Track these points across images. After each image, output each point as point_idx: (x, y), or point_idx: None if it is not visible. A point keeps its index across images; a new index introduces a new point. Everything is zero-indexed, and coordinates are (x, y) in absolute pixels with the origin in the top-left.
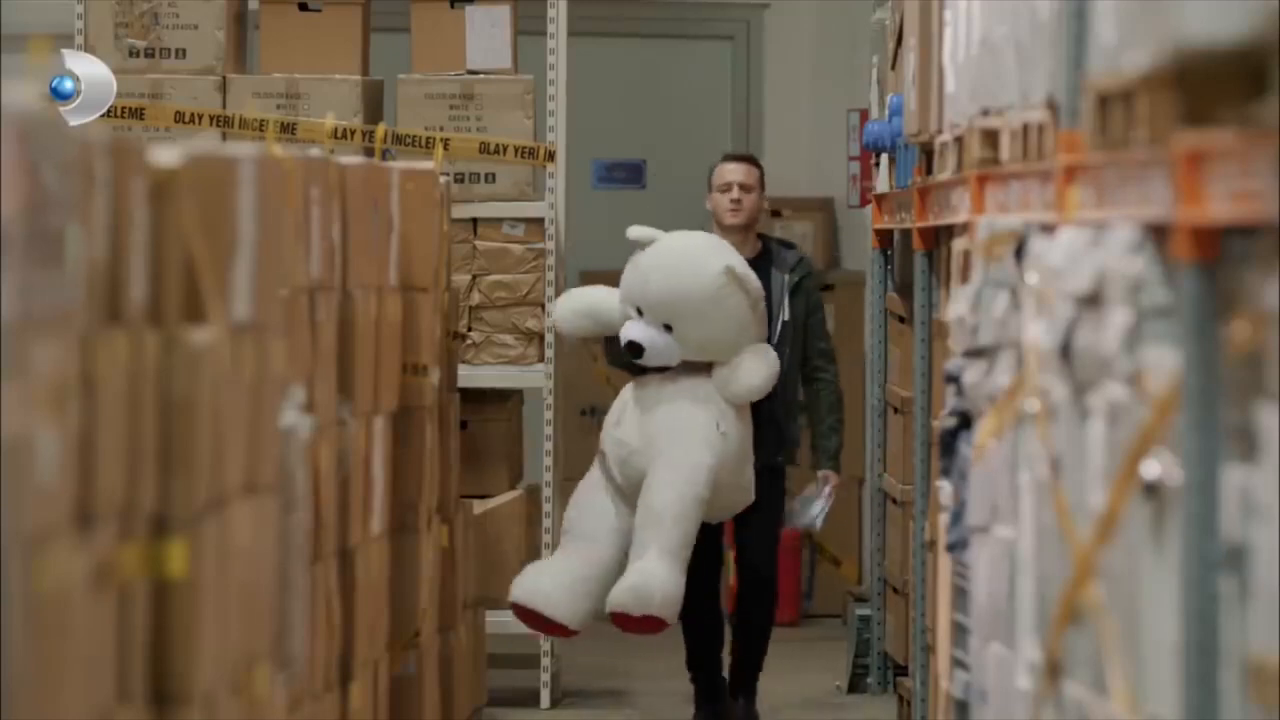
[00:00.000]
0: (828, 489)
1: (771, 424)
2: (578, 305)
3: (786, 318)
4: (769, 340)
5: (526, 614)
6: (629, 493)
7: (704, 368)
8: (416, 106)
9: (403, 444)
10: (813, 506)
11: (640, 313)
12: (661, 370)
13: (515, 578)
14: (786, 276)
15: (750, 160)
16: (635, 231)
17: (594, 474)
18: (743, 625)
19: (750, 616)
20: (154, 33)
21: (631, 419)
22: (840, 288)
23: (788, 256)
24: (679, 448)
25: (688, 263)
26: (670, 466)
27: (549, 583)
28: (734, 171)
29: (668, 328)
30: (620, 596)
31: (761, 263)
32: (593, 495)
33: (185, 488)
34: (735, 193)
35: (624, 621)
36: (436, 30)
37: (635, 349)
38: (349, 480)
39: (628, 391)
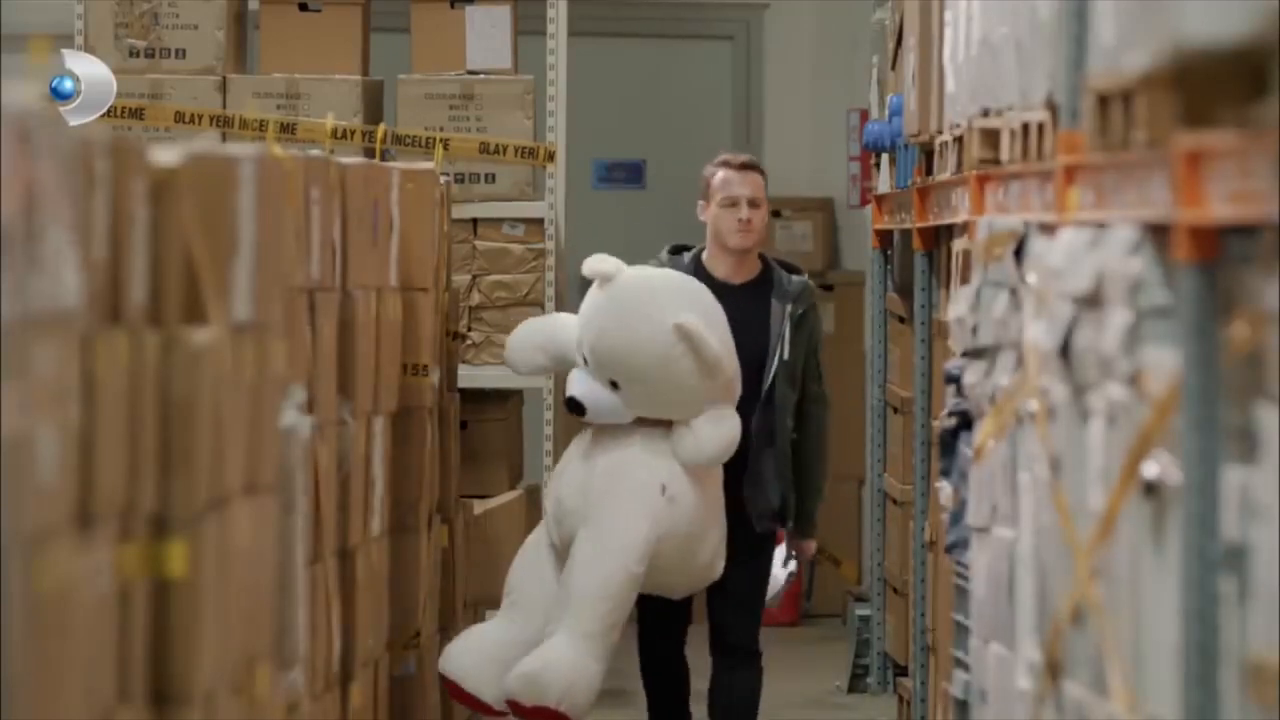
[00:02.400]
0: (791, 564)
1: (757, 481)
2: (535, 338)
3: (786, 356)
4: (762, 382)
5: (452, 687)
6: (565, 553)
7: (668, 422)
8: (416, 107)
9: (403, 444)
10: (775, 580)
11: (587, 362)
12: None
13: (446, 645)
14: (789, 307)
15: (757, 168)
16: (592, 264)
17: (539, 531)
18: (722, 711)
19: (731, 701)
20: (154, 33)
21: (572, 472)
22: (840, 288)
23: (791, 284)
24: (611, 513)
25: (638, 313)
26: (596, 537)
27: (472, 660)
28: (742, 184)
29: (614, 385)
30: (512, 683)
31: (759, 289)
32: (534, 558)
33: (185, 488)
34: (744, 211)
35: (519, 711)
36: (436, 30)
37: (576, 407)
38: (349, 480)
39: (577, 442)
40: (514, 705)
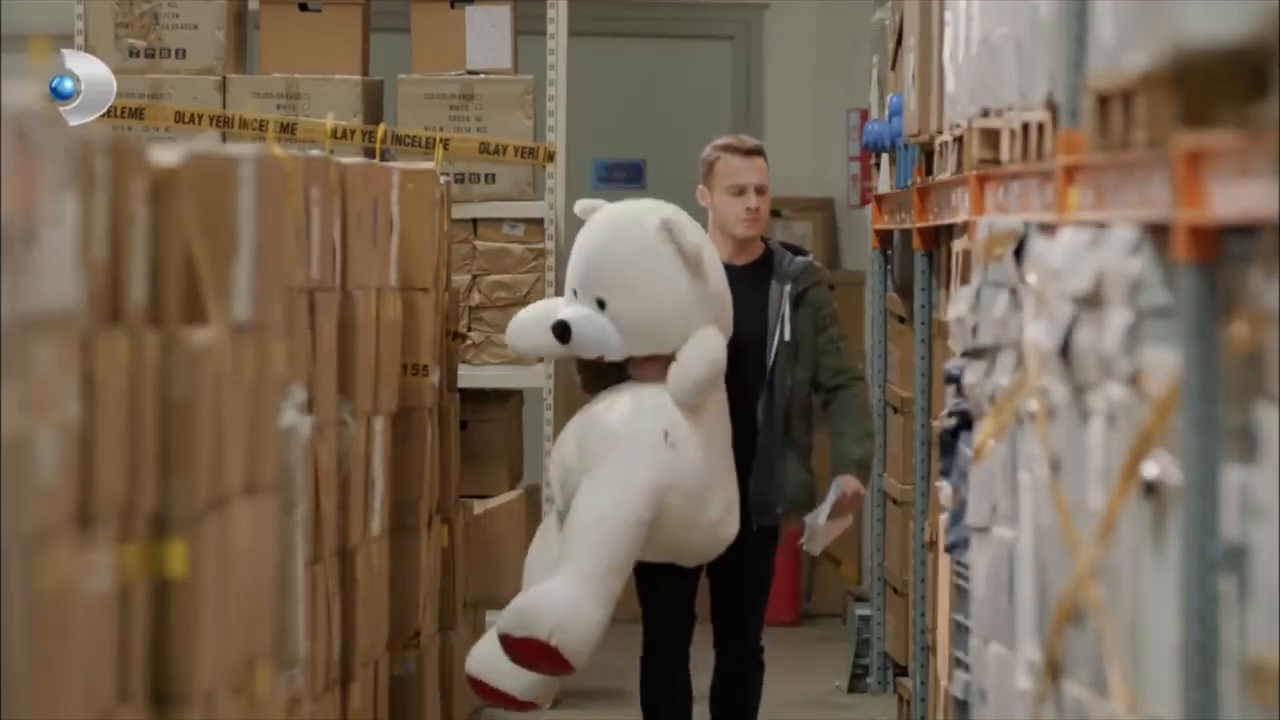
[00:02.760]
0: (836, 494)
1: (765, 470)
2: (537, 314)
3: (787, 337)
4: (763, 360)
5: (479, 687)
6: None
7: (663, 374)
8: (416, 107)
9: (403, 444)
10: (815, 516)
11: (576, 295)
12: (618, 382)
13: (472, 648)
14: (787, 287)
15: (761, 152)
16: (581, 204)
17: (549, 518)
18: (724, 711)
19: (733, 702)
20: (154, 33)
21: (575, 435)
22: (840, 288)
23: (791, 263)
24: (613, 460)
25: (619, 221)
26: (597, 480)
27: (493, 655)
28: (748, 170)
29: (601, 304)
30: (503, 617)
31: (759, 271)
32: (546, 543)
33: (185, 488)
34: (752, 199)
35: (508, 645)
36: (436, 30)
37: (562, 329)
38: (349, 480)
39: (581, 411)
40: (504, 640)
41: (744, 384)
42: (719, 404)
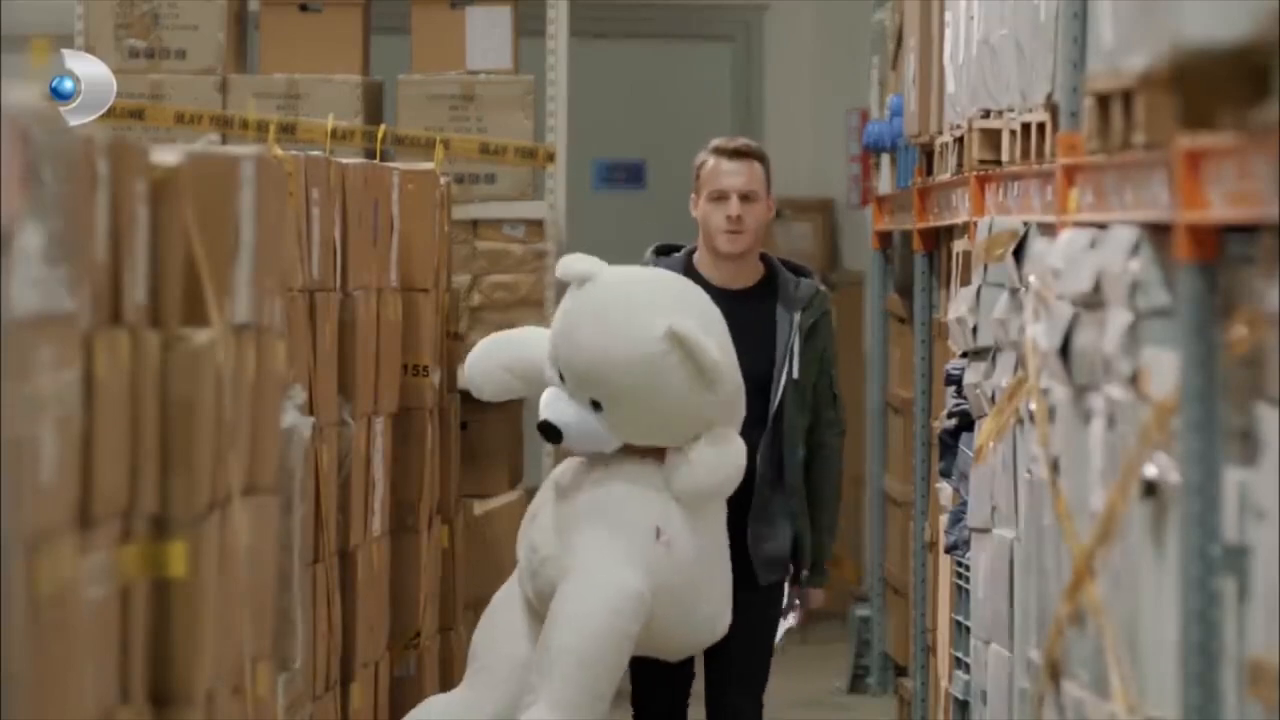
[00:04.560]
0: (799, 611)
1: (765, 527)
2: (500, 355)
3: (796, 375)
4: (768, 407)
5: None
6: (543, 612)
7: (659, 453)
8: (417, 107)
9: (403, 444)
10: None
11: (564, 379)
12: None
13: (410, 712)
14: (798, 316)
15: (753, 155)
16: (568, 265)
17: (509, 586)
18: None
19: None
20: (154, 33)
21: (548, 514)
22: (840, 288)
23: (800, 288)
24: (595, 562)
25: (622, 318)
26: (579, 591)
27: None
28: (732, 173)
29: (596, 405)
30: None
31: (763, 295)
32: (504, 614)
33: (186, 488)
34: (734, 206)
35: None
36: (437, 31)
37: (550, 433)
38: (349, 481)
39: (557, 473)
40: None
41: (743, 431)
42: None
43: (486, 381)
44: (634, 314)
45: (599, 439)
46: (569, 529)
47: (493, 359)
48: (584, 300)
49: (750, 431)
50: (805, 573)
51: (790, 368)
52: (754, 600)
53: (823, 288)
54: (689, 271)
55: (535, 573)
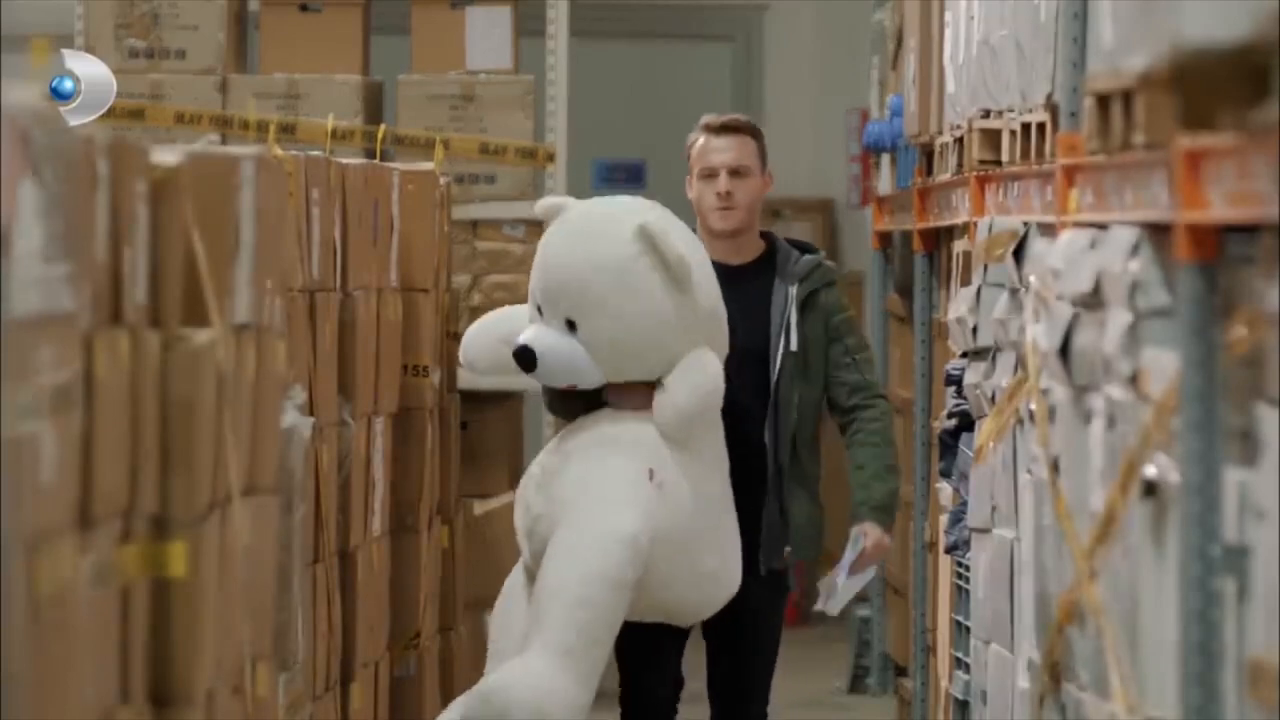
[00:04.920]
0: (856, 550)
1: (772, 505)
2: (497, 329)
3: (794, 346)
4: (765, 376)
5: None
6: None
7: (646, 401)
8: (417, 107)
9: (403, 445)
10: (834, 576)
11: (541, 313)
12: (594, 410)
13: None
14: (793, 289)
15: (745, 129)
16: (544, 203)
17: (517, 569)
18: None
19: None
20: (154, 33)
21: (543, 474)
22: (840, 288)
23: (798, 262)
24: (587, 506)
25: (589, 227)
26: (571, 533)
27: None
28: (721, 149)
29: (571, 325)
30: (467, 703)
31: (759, 271)
32: (512, 601)
33: (186, 488)
34: (723, 182)
35: None
36: (437, 31)
37: (525, 356)
38: (349, 481)
39: (550, 443)
40: None
41: (744, 404)
42: (715, 433)
43: (482, 355)
44: (605, 220)
45: (576, 362)
46: (559, 484)
47: (489, 333)
48: (558, 224)
49: (751, 406)
50: (862, 513)
51: (788, 340)
52: (760, 587)
53: (828, 262)
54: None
55: (530, 531)
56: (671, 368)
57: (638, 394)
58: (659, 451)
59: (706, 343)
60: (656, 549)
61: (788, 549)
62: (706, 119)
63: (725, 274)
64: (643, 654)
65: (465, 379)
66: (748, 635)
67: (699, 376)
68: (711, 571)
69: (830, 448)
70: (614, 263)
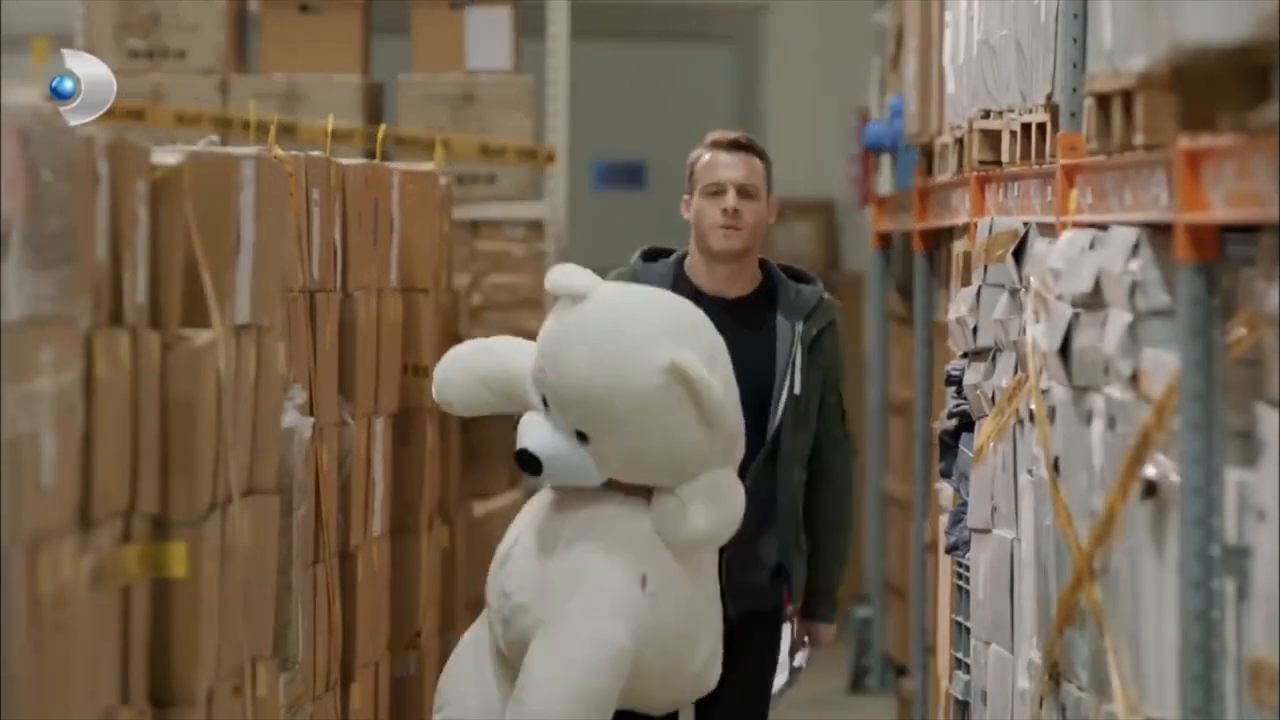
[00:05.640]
0: (801, 657)
1: (753, 561)
2: (477, 367)
3: (797, 390)
4: (766, 425)
5: None
6: (516, 663)
7: (644, 490)
8: (417, 108)
9: (403, 445)
10: (778, 686)
11: (547, 404)
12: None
13: None
14: (799, 327)
15: (754, 150)
16: (559, 278)
17: (478, 629)
18: None
19: None
20: (154, 33)
21: (523, 555)
22: (840, 288)
23: (801, 295)
24: (575, 615)
25: (619, 346)
26: (557, 647)
27: None
28: (730, 166)
29: (582, 436)
30: None
31: (759, 305)
32: (472, 661)
33: (186, 488)
34: (731, 199)
35: None
36: (437, 31)
37: (529, 463)
38: (350, 481)
39: (529, 509)
40: None
41: None
42: None
43: (457, 393)
44: (633, 342)
45: (582, 473)
46: (544, 575)
47: (468, 370)
48: (576, 321)
49: (747, 450)
50: (811, 606)
51: (791, 383)
52: (747, 636)
53: (827, 295)
54: (679, 278)
55: (508, 621)
56: (684, 478)
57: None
58: (654, 553)
59: (726, 462)
60: (641, 652)
61: (775, 593)
62: (714, 135)
63: (722, 307)
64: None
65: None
66: (737, 683)
67: (725, 510)
68: (694, 674)
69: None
70: (640, 394)
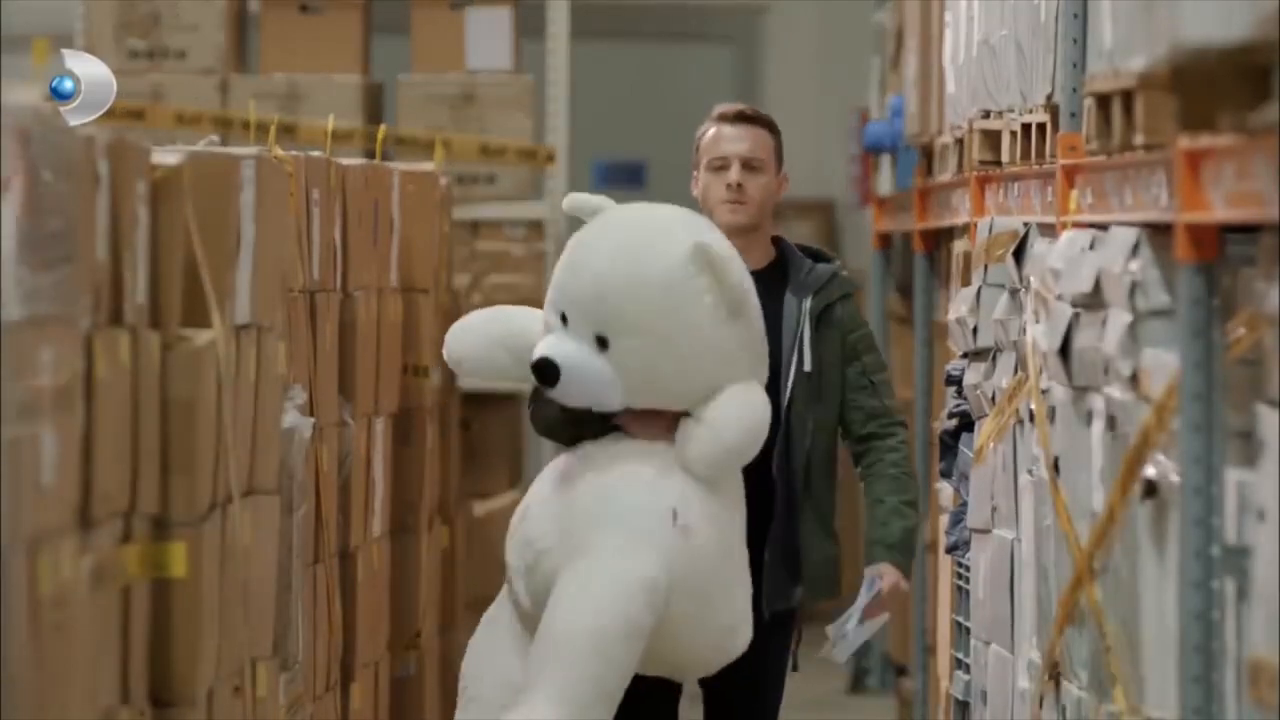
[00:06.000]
0: (870, 593)
1: (782, 541)
2: (494, 331)
3: (807, 366)
4: (775, 398)
5: None
6: (537, 618)
7: (666, 429)
8: (417, 108)
9: (403, 445)
10: (844, 622)
11: (565, 321)
12: (600, 437)
13: None
14: (807, 302)
15: (761, 121)
16: (574, 200)
17: (499, 604)
18: None
19: None
20: (154, 33)
21: (542, 504)
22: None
23: (813, 272)
24: (601, 544)
25: (639, 238)
26: (583, 573)
27: None
28: (734, 140)
29: (601, 342)
30: None
31: (769, 281)
32: (493, 637)
33: (186, 488)
34: (734, 173)
35: None
36: (437, 31)
37: (547, 370)
38: (350, 481)
39: (547, 471)
40: None
41: None
42: (737, 474)
43: (471, 354)
44: (657, 231)
45: (601, 384)
46: (569, 517)
47: (484, 333)
48: (598, 226)
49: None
50: (870, 553)
51: (800, 359)
52: (761, 636)
53: (843, 271)
54: None
55: (531, 568)
56: (704, 399)
57: (657, 423)
58: (684, 490)
59: (750, 374)
60: (672, 599)
61: (799, 589)
62: (720, 108)
63: None
64: (635, 709)
65: (466, 379)
66: (749, 686)
67: (750, 414)
68: (728, 626)
69: (846, 476)
70: (662, 280)
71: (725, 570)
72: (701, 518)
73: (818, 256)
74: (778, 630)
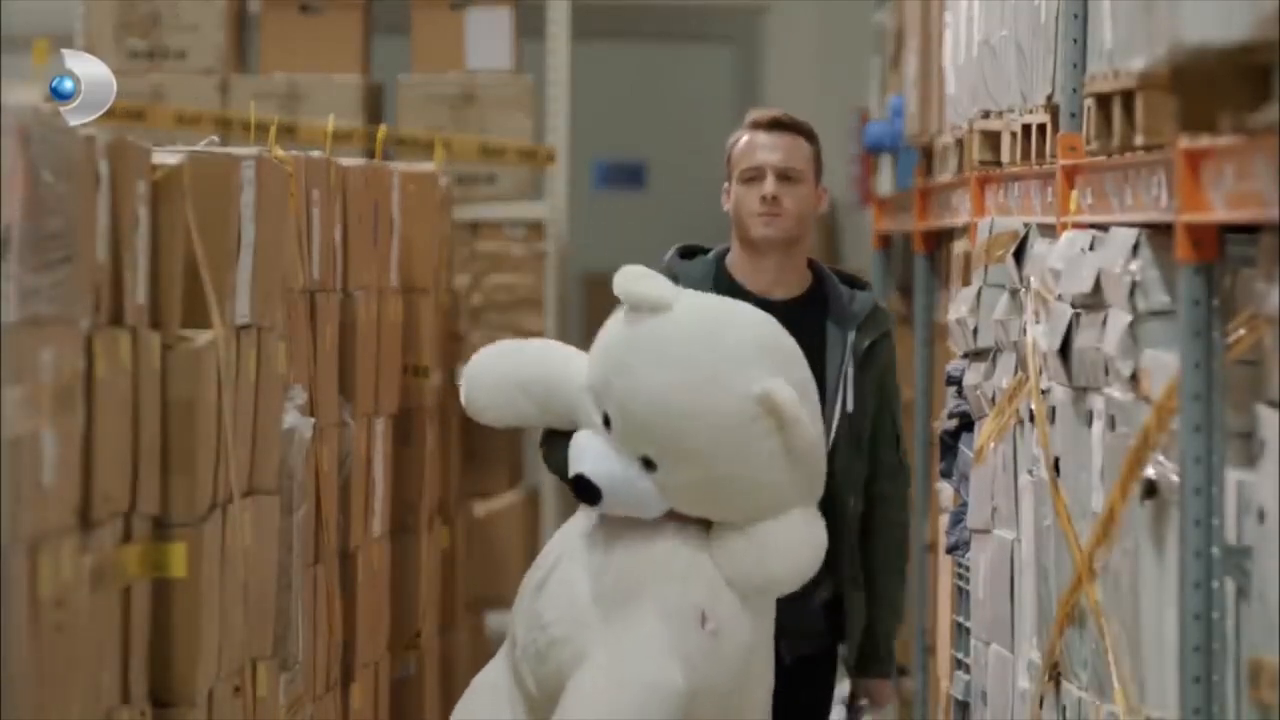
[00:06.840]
0: (855, 715)
1: (816, 583)
2: (516, 374)
3: (850, 407)
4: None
5: None
6: (547, 704)
7: (704, 520)
8: (417, 108)
9: (403, 445)
10: None
11: (608, 423)
12: None
13: None
14: (852, 336)
15: (799, 129)
16: (636, 287)
17: (496, 668)
18: None
19: None
20: (154, 33)
21: (563, 583)
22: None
23: (855, 302)
24: (626, 649)
25: (705, 369)
26: (601, 685)
27: None
28: (769, 148)
29: (648, 464)
30: None
31: (810, 309)
32: (490, 703)
33: (186, 488)
34: (770, 185)
35: None
36: (437, 31)
37: (587, 490)
38: (350, 482)
39: (567, 534)
40: None
41: None
42: None
43: (493, 403)
44: (721, 366)
45: (644, 505)
46: (590, 605)
47: (504, 375)
48: (655, 334)
49: None
50: (864, 660)
51: (844, 398)
52: (804, 668)
53: (882, 303)
54: (720, 275)
55: (542, 655)
56: (756, 518)
57: None
58: (714, 588)
59: (803, 502)
60: (698, 703)
61: (845, 654)
62: (754, 114)
63: (764, 310)
64: None
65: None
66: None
67: (805, 553)
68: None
69: None
70: (723, 420)
71: (752, 675)
72: (732, 619)
73: (853, 283)
74: (808, 674)
